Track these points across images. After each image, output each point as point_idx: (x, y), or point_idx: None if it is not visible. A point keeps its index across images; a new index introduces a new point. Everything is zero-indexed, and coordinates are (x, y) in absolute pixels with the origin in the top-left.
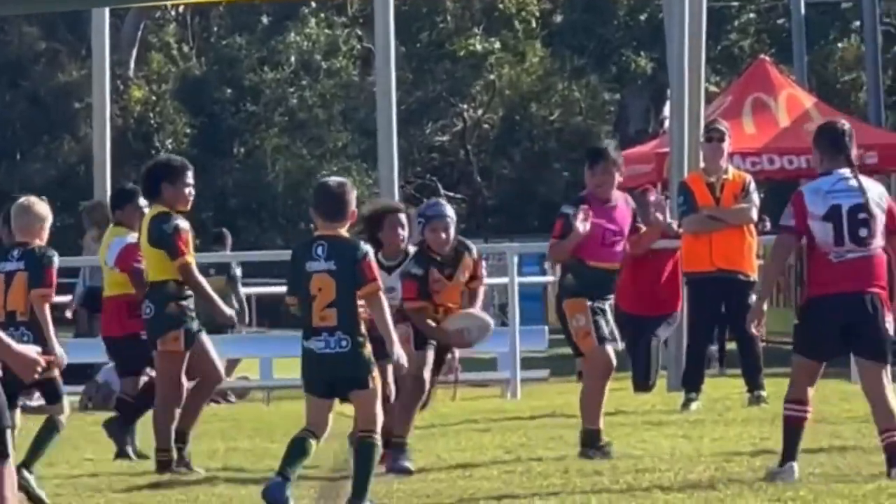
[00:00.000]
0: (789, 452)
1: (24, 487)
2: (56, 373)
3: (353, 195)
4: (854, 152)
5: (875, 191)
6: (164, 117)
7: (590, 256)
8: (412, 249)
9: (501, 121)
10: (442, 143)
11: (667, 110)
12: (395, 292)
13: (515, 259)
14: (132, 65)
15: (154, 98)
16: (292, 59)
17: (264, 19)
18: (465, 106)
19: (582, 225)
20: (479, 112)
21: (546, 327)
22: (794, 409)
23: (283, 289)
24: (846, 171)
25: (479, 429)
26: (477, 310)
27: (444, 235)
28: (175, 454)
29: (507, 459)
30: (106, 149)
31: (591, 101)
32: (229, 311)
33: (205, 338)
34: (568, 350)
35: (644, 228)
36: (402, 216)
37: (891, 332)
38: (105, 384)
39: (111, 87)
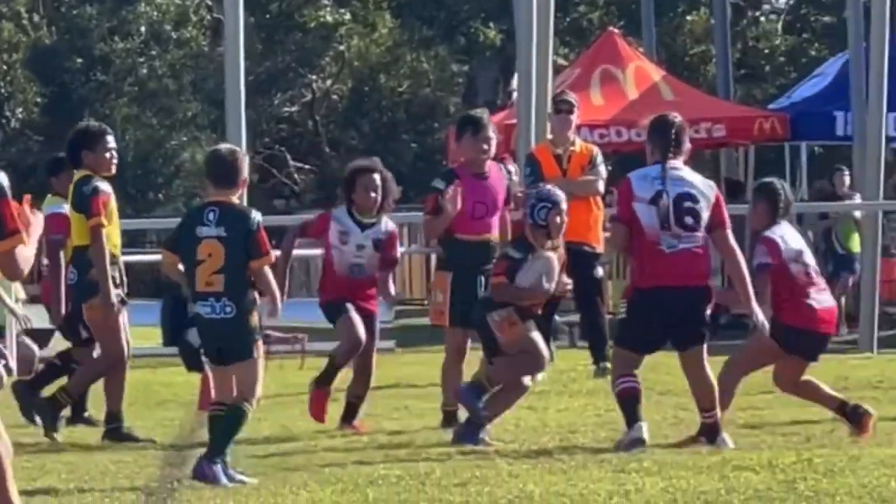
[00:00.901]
0: (632, 417)
1: None
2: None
3: (244, 163)
4: (686, 146)
5: (702, 183)
6: (15, 86)
7: (459, 229)
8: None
9: (350, 92)
10: (291, 113)
11: (515, 82)
12: (366, 249)
13: None
14: None
15: (5, 67)
16: (142, 28)
17: None
18: (315, 77)
19: (451, 205)
20: (328, 83)
21: None
22: (623, 381)
23: (135, 258)
24: (675, 163)
25: None
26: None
27: (566, 220)
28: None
29: None
30: None
31: (440, 73)
32: (114, 297)
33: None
34: (414, 321)
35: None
36: (376, 176)
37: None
38: None
39: None
